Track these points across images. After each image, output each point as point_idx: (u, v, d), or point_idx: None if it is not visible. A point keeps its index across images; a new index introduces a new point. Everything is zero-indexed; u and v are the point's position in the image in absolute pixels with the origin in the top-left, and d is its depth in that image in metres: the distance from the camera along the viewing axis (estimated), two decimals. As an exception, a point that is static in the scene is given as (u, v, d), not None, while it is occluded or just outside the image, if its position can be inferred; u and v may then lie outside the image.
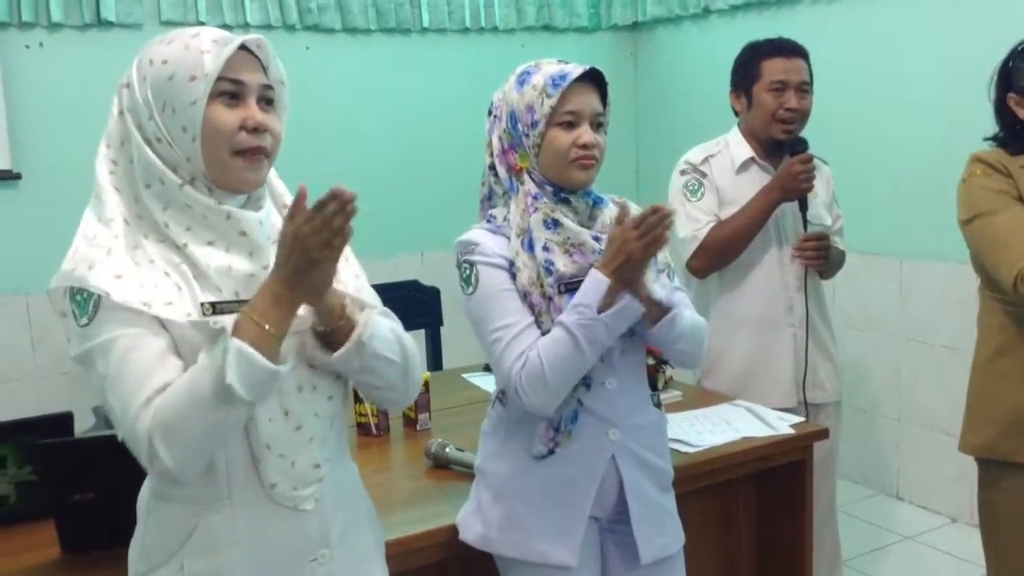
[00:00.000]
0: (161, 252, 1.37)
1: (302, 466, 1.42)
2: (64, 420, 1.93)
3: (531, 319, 1.72)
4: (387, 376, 1.51)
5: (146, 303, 1.32)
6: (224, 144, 1.37)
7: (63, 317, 1.36)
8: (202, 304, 1.35)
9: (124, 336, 1.32)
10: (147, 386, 1.31)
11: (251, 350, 1.27)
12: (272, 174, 1.51)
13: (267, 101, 1.42)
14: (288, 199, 1.52)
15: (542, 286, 1.71)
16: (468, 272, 1.76)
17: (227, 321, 1.30)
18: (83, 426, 2.36)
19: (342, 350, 1.42)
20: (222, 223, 1.39)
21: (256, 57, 1.41)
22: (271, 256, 1.40)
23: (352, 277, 1.55)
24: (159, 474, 1.34)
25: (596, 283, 1.66)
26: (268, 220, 1.44)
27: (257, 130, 1.38)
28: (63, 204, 1.43)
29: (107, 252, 1.34)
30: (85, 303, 1.33)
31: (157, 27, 3.85)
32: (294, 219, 1.29)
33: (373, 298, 1.56)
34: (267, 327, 1.29)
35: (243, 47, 1.39)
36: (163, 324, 1.34)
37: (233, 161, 1.38)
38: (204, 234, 1.39)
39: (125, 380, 1.31)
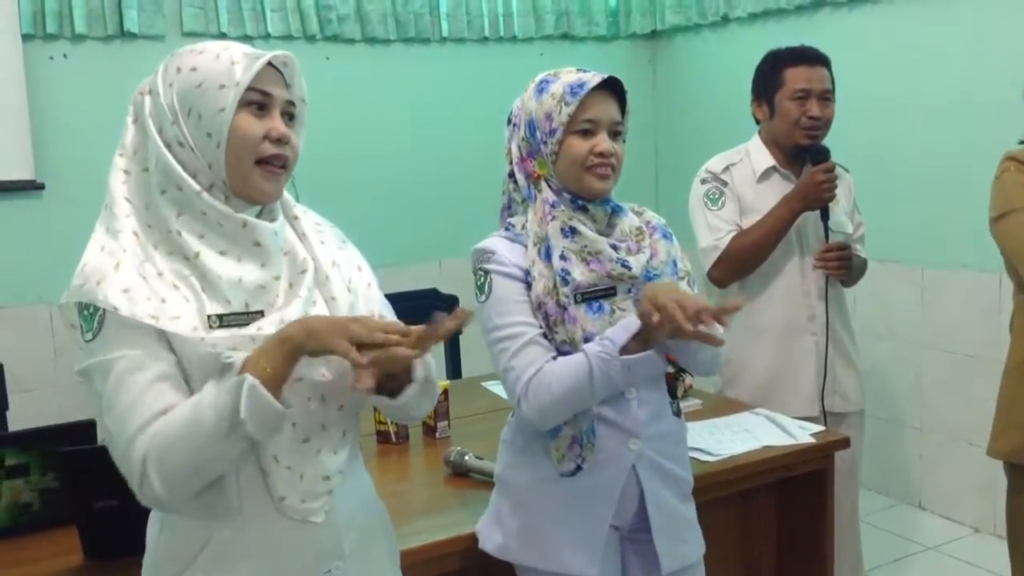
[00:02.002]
0: (170, 264, 1.37)
1: (311, 478, 1.42)
2: (86, 428, 1.94)
3: (540, 330, 1.72)
4: (426, 406, 1.55)
5: (153, 316, 1.32)
6: (249, 152, 1.39)
7: (73, 329, 1.38)
8: (208, 317, 1.36)
9: (126, 357, 1.32)
10: (143, 411, 1.31)
11: (263, 389, 1.28)
12: None
13: (289, 116, 1.44)
14: (298, 211, 1.54)
15: (558, 295, 1.71)
16: (482, 280, 1.76)
17: (238, 356, 1.32)
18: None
19: (407, 394, 1.45)
20: (237, 232, 1.40)
21: (280, 74, 1.44)
22: (282, 267, 1.42)
23: (364, 286, 1.56)
24: (147, 500, 1.35)
25: (628, 324, 1.66)
26: (282, 231, 1.46)
27: (280, 141, 1.40)
28: (86, 214, 1.44)
29: (115, 266, 1.34)
30: (91, 317, 1.34)
31: (179, 38, 3.89)
32: (370, 331, 1.31)
33: (386, 308, 1.58)
34: (268, 369, 1.30)
35: (269, 63, 1.41)
36: (169, 340, 1.34)
37: (255, 170, 1.40)
38: (217, 243, 1.39)
39: (122, 403, 1.32)
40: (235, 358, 1.31)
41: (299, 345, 1.33)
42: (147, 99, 1.41)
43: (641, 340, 1.66)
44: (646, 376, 1.71)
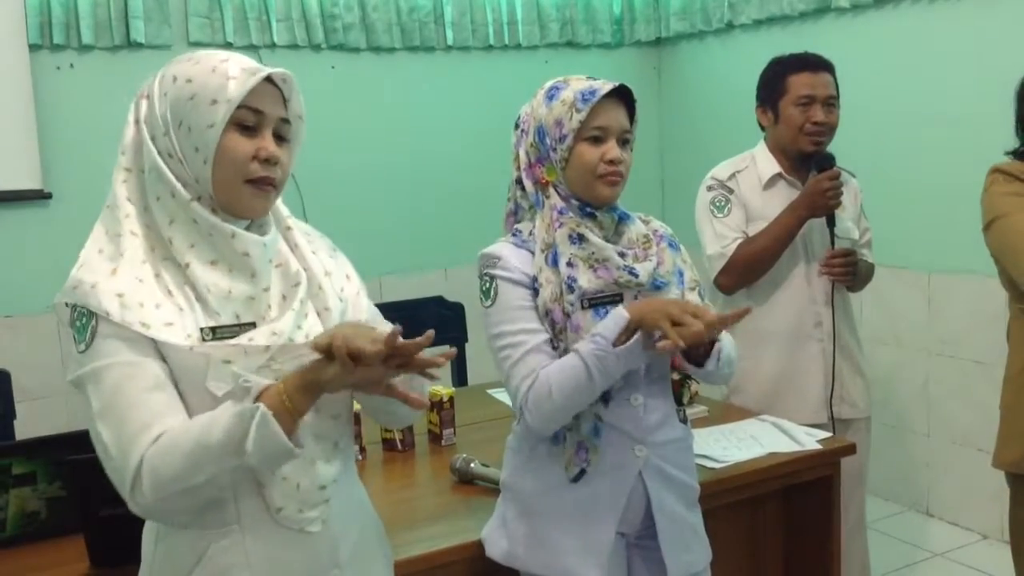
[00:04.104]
0: (166, 270, 1.37)
1: (307, 488, 1.41)
2: (93, 436, 1.95)
3: (544, 337, 1.72)
4: (406, 412, 1.55)
5: (145, 324, 1.31)
6: (236, 171, 1.37)
7: (68, 328, 1.37)
8: (201, 329, 1.35)
9: (118, 365, 1.32)
10: (139, 416, 1.30)
11: (274, 422, 1.26)
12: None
13: (281, 134, 1.42)
14: (291, 222, 1.52)
15: (563, 302, 1.71)
16: (488, 285, 1.76)
17: (256, 381, 1.31)
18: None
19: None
20: (226, 242, 1.39)
21: (279, 90, 1.42)
22: (272, 279, 1.42)
23: (353, 294, 1.56)
24: (137, 507, 1.33)
25: (617, 318, 1.66)
26: (273, 244, 1.44)
27: (269, 161, 1.39)
28: (93, 223, 1.44)
29: (112, 271, 1.34)
30: (84, 328, 1.33)
31: (185, 48, 3.90)
32: (367, 353, 1.27)
33: (373, 313, 1.58)
34: (287, 402, 1.29)
35: (268, 79, 1.39)
36: (160, 349, 1.34)
37: (244, 189, 1.39)
38: (207, 253, 1.39)
39: (118, 407, 1.31)
40: (253, 383, 1.30)
41: (321, 385, 1.31)
42: (144, 104, 1.41)
43: (628, 330, 1.66)
44: (642, 361, 1.71)
